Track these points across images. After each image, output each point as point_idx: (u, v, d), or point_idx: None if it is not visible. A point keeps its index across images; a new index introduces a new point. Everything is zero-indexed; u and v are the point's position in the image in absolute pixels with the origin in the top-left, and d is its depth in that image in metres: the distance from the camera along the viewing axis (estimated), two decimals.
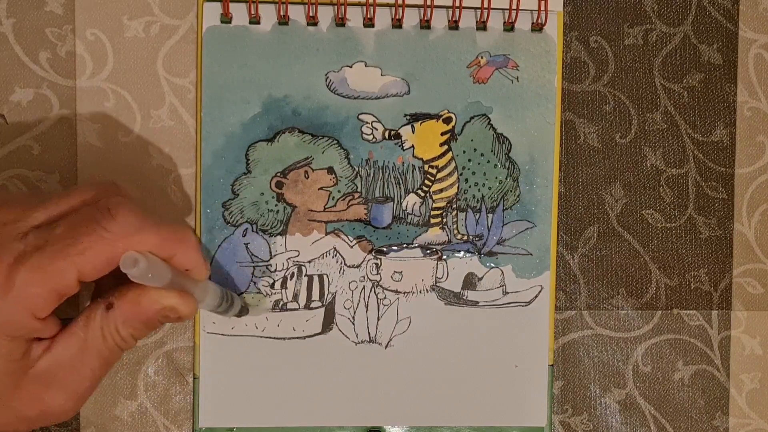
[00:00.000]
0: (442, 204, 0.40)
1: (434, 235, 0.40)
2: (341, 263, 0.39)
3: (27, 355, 0.30)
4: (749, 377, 0.41)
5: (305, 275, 0.39)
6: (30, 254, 0.28)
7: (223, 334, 0.39)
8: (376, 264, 0.40)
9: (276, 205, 0.39)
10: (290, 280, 0.39)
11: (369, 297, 0.40)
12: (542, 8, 0.39)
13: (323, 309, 0.39)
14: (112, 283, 0.32)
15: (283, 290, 0.39)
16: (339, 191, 0.39)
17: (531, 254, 0.40)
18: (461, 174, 0.40)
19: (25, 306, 0.28)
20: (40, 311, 0.29)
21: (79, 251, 0.28)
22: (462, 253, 0.40)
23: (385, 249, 0.39)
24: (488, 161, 0.40)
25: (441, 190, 0.40)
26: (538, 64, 0.40)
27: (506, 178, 0.40)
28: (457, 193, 0.40)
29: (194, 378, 0.39)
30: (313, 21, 0.39)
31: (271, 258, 0.39)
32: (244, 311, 0.38)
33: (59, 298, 0.29)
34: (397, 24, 0.39)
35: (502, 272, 0.40)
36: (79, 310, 0.33)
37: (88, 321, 0.31)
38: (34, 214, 0.30)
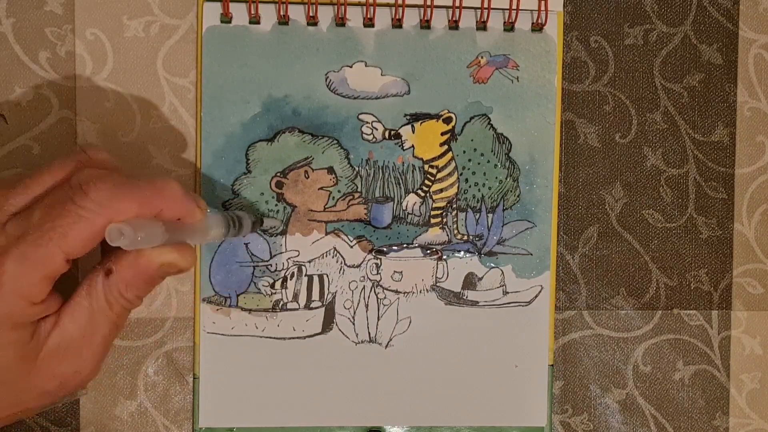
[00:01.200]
0: (442, 204, 0.40)
1: (434, 235, 0.40)
2: (341, 263, 0.39)
3: (36, 336, 0.30)
4: (749, 377, 0.41)
5: (305, 275, 0.39)
6: (13, 246, 0.28)
7: (223, 334, 0.39)
8: (376, 264, 0.39)
9: (276, 205, 0.39)
10: (290, 280, 0.39)
11: (369, 297, 0.40)
12: (542, 8, 0.39)
13: (323, 309, 0.39)
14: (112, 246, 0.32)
15: (283, 290, 0.39)
16: (339, 191, 0.39)
17: (531, 254, 0.40)
18: (461, 174, 0.40)
19: (20, 296, 0.28)
20: (36, 297, 0.29)
21: (60, 234, 0.28)
22: (462, 253, 0.40)
23: (385, 249, 0.39)
24: (488, 161, 0.40)
25: (441, 190, 0.40)
26: (538, 64, 0.40)
27: (506, 178, 0.40)
28: (457, 193, 0.40)
29: (194, 378, 0.39)
30: (313, 21, 0.39)
31: (271, 258, 0.39)
32: (257, 224, 0.37)
33: (51, 280, 0.29)
34: (397, 24, 0.39)
35: (502, 272, 0.40)
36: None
37: (90, 290, 0.31)
38: (8, 202, 0.30)
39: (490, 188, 0.40)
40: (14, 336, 0.29)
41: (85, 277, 0.32)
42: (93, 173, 0.30)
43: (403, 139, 0.39)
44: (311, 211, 0.39)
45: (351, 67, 0.39)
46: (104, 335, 0.32)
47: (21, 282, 0.28)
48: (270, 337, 0.39)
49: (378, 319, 0.40)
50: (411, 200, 0.40)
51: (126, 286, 0.31)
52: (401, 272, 0.40)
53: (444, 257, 0.40)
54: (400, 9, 0.39)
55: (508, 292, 0.40)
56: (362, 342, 0.40)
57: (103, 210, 0.28)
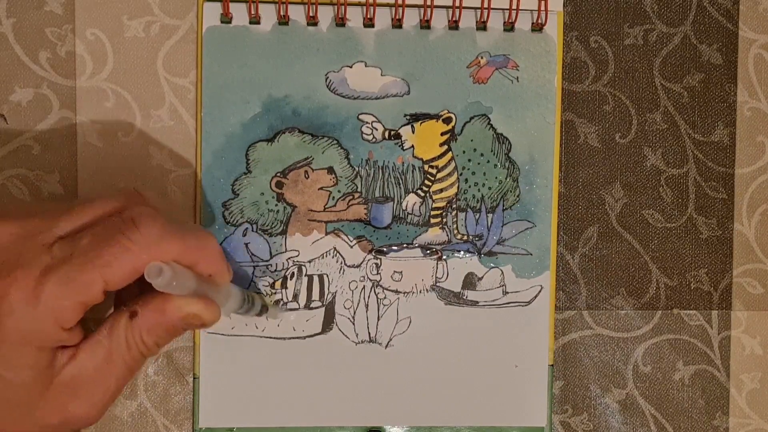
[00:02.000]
0: (442, 204, 0.40)
1: (434, 235, 0.40)
2: (341, 263, 0.39)
3: (53, 364, 0.30)
4: (749, 377, 0.41)
5: (305, 275, 0.39)
6: (57, 266, 0.28)
7: (223, 334, 0.39)
8: (376, 264, 0.40)
9: (276, 205, 0.39)
10: (290, 280, 0.39)
11: (369, 297, 0.40)
12: (542, 8, 0.39)
13: (323, 309, 0.39)
14: (135, 290, 0.32)
15: (283, 290, 0.39)
16: (339, 191, 0.39)
17: (531, 254, 0.40)
18: (461, 174, 0.40)
19: (53, 317, 0.29)
20: (67, 322, 0.29)
21: (105, 263, 0.29)
22: (462, 253, 0.40)
23: (385, 249, 0.39)
24: (488, 161, 0.40)
25: (441, 190, 0.40)
26: (538, 64, 0.40)
27: (506, 178, 0.40)
28: (457, 193, 0.40)
29: (194, 378, 0.39)
30: (313, 21, 0.39)
31: (271, 258, 0.39)
32: (263, 311, 0.38)
33: (85, 308, 0.29)
34: (397, 24, 0.39)
35: (502, 272, 0.40)
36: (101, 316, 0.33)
37: (112, 329, 0.31)
38: (58, 224, 0.30)
39: (489, 188, 0.40)
40: (35, 357, 0.29)
41: (109, 317, 0.32)
42: (146, 211, 0.30)
43: (403, 139, 0.39)
44: (311, 211, 0.39)
45: (351, 67, 0.39)
46: (117, 378, 0.32)
47: (57, 303, 0.28)
48: (270, 337, 0.39)
49: (378, 319, 0.40)
50: (411, 200, 0.40)
51: (148, 331, 0.31)
52: (401, 272, 0.40)
53: (444, 257, 0.40)
54: (400, 9, 0.39)
55: (508, 292, 0.40)
56: (362, 342, 0.40)
57: (150, 248, 0.29)
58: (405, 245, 0.40)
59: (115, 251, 0.29)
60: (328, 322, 0.40)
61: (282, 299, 0.39)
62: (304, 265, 0.39)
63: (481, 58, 0.40)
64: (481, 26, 0.39)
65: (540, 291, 0.40)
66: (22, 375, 0.29)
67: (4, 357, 0.29)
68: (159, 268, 0.29)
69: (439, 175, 0.40)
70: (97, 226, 0.30)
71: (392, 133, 0.39)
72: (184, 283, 0.30)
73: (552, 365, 0.40)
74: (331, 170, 0.39)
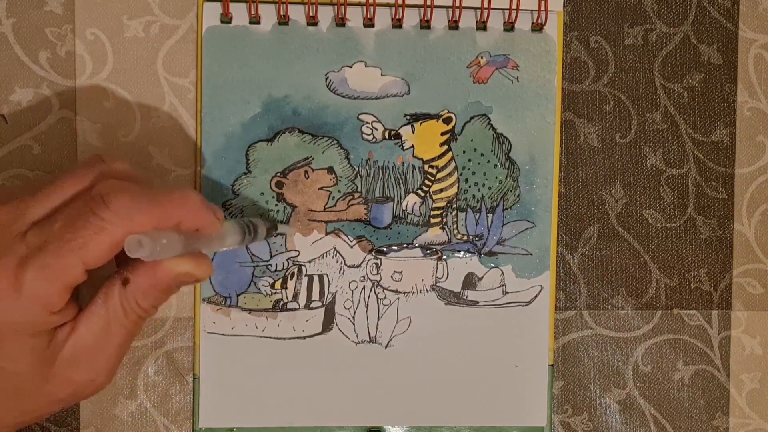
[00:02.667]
0: (442, 204, 0.40)
1: (434, 235, 0.40)
2: (341, 263, 0.39)
3: (53, 343, 0.30)
4: (749, 377, 0.41)
5: (305, 275, 0.39)
6: (33, 255, 0.28)
7: (223, 334, 0.39)
8: (376, 264, 0.40)
9: (276, 205, 0.39)
10: (290, 280, 0.39)
11: (369, 297, 0.40)
12: (542, 8, 0.39)
13: (323, 309, 0.39)
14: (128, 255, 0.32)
15: (283, 290, 0.39)
16: (339, 191, 0.39)
17: (531, 254, 0.40)
18: (461, 174, 0.40)
19: (39, 305, 0.29)
20: (55, 306, 0.29)
21: (81, 245, 0.28)
22: (462, 253, 0.40)
23: (385, 249, 0.39)
24: (488, 161, 0.40)
25: (441, 190, 0.40)
26: (538, 64, 0.40)
27: (506, 178, 0.40)
28: (457, 193, 0.40)
29: (194, 378, 0.39)
30: (313, 21, 0.39)
31: (271, 258, 0.39)
32: (272, 230, 0.37)
33: (70, 290, 0.29)
34: (397, 24, 0.39)
35: (502, 272, 0.40)
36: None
37: (107, 299, 0.31)
38: (29, 211, 0.30)
39: (490, 188, 0.40)
40: (32, 343, 0.30)
41: (102, 286, 0.32)
42: (114, 184, 0.30)
43: (403, 139, 0.39)
44: (311, 211, 0.39)
45: (351, 67, 0.39)
46: (119, 344, 0.32)
47: (41, 291, 0.28)
48: (270, 337, 0.39)
49: (378, 319, 0.40)
50: (411, 200, 0.40)
51: (142, 296, 0.31)
52: (401, 272, 0.40)
53: (444, 257, 0.40)
54: (400, 9, 0.39)
55: (508, 292, 0.40)
56: (362, 342, 0.40)
57: (124, 222, 0.29)
58: (405, 245, 0.40)
59: (89, 232, 0.28)
60: (328, 322, 0.40)
61: (282, 299, 0.39)
62: (304, 265, 0.39)
63: (481, 58, 0.40)
64: (481, 26, 0.39)
65: (540, 291, 0.40)
66: (23, 362, 0.30)
67: (0, 350, 0.29)
68: (138, 241, 0.28)
69: (439, 175, 0.40)
70: (67, 207, 0.30)
71: (392, 133, 0.39)
72: (171, 247, 0.29)
73: (552, 365, 0.40)
74: (331, 170, 0.39)
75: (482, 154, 0.40)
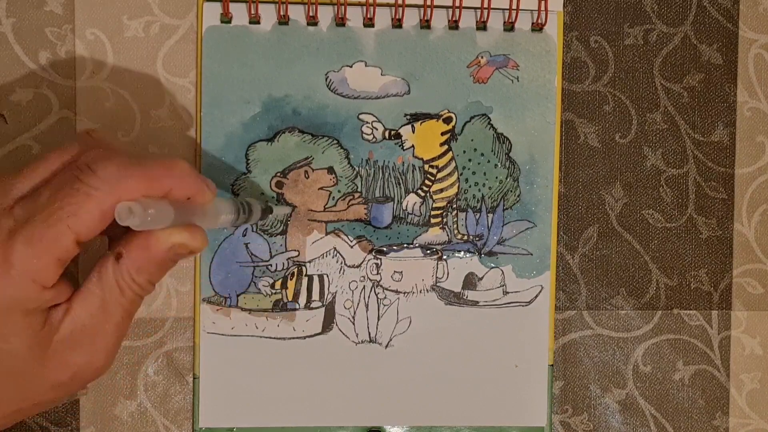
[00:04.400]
0: (442, 204, 0.40)
1: (434, 235, 0.40)
2: (341, 263, 0.39)
3: (48, 323, 0.30)
4: (749, 377, 0.41)
5: (305, 275, 0.39)
6: (21, 227, 0.28)
7: (223, 334, 0.39)
8: (376, 264, 0.39)
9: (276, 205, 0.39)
10: (290, 280, 0.39)
11: (369, 297, 0.40)
12: (542, 8, 0.39)
13: (323, 309, 0.39)
14: (121, 231, 0.31)
15: (283, 290, 0.39)
16: (339, 191, 0.39)
17: (531, 254, 0.40)
18: (461, 174, 0.40)
19: (30, 279, 0.28)
20: (47, 281, 0.28)
21: (69, 213, 0.28)
22: (462, 253, 0.40)
23: (385, 249, 0.39)
24: (488, 161, 0.40)
25: (441, 190, 0.40)
26: (538, 64, 0.40)
27: (506, 178, 0.40)
28: (457, 193, 0.40)
29: (194, 378, 0.39)
30: (313, 21, 0.39)
31: (271, 258, 0.39)
32: (267, 212, 0.37)
33: (62, 263, 0.29)
34: (397, 24, 0.39)
35: (503, 272, 0.40)
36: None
37: (101, 276, 0.30)
38: (15, 186, 0.29)
39: (490, 188, 0.40)
40: (26, 323, 0.29)
41: (96, 264, 0.31)
42: (100, 153, 0.29)
43: (403, 139, 0.39)
44: (311, 211, 0.39)
45: (351, 67, 0.39)
46: (117, 323, 0.31)
47: (32, 264, 0.28)
48: (270, 337, 0.39)
49: (378, 319, 0.40)
50: (411, 200, 0.40)
51: (137, 270, 0.30)
52: (401, 272, 0.40)
53: (444, 257, 0.40)
54: (400, 9, 0.39)
55: (508, 292, 0.40)
56: (362, 342, 0.40)
57: (112, 188, 0.28)
58: (405, 245, 0.40)
59: (78, 200, 0.28)
60: (328, 322, 0.40)
61: (282, 299, 0.39)
62: (304, 265, 0.39)
63: (481, 57, 0.40)
64: (481, 26, 0.39)
65: (540, 291, 0.40)
66: (17, 342, 0.29)
67: None
68: (128, 208, 0.28)
69: (439, 175, 0.40)
70: (54, 179, 0.29)
71: (392, 132, 0.39)
72: (161, 216, 0.29)
73: (552, 365, 0.40)
74: (331, 170, 0.39)
75: (482, 154, 0.40)
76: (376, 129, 0.39)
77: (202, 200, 0.31)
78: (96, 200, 0.28)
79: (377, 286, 0.40)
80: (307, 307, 0.39)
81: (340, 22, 0.39)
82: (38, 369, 0.30)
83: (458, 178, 0.40)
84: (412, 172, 0.40)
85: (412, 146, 0.39)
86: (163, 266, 0.31)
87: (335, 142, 0.39)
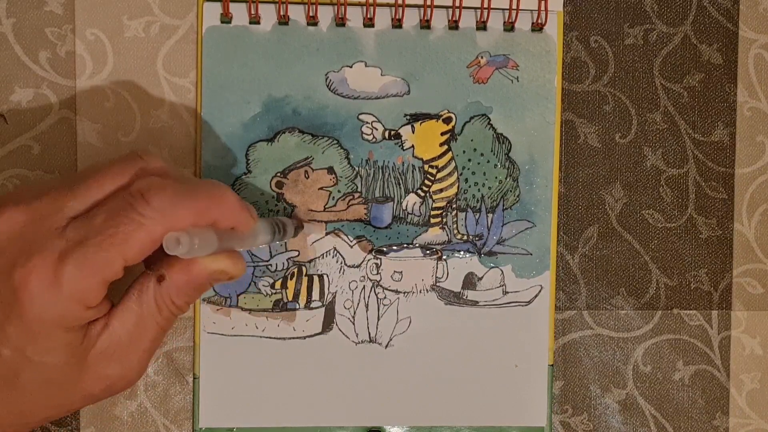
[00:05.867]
0: (442, 204, 0.40)
1: (434, 235, 0.40)
2: (341, 263, 0.39)
3: (87, 338, 0.31)
4: (749, 377, 0.41)
5: (305, 275, 0.39)
6: (73, 249, 0.28)
7: (223, 334, 0.39)
8: (376, 264, 0.40)
9: (276, 205, 0.39)
10: (290, 280, 0.39)
11: (369, 297, 0.40)
12: (542, 8, 0.39)
13: (323, 309, 0.39)
14: (161, 251, 0.32)
15: (283, 290, 0.39)
16: (339, 191, 0.39)
17: (531, 254, 0.40)
18: (461, 174, 0.40)
19: (76, 299, 0.29)
20: (92, 301, 0.29)
21: (121, 240, 0.29)
22: (462, 253, 0.40)
23: (385, 249, 0.39)
24: (488, 161, 0.40)
25: (441, 190, 0.40)
26: (538, 64, 0.40)
27: (506, 178, 0.40)
28: (457, 193, 0.40)
29: (194, 378, 0.39)
30: (313, 21, 0.39)
31: (271, 258, 0.39)
32: (299, 229, 0.38)
33: (107, 285, 0.29)
34: (397, 24, 0.39)
35: (502, 272, 0.40)
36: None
37: (141, 295, 0.32)
38: (67, 205, 0.30)
39: (489, 188, 0.40)
40: (67, 338, 0.30)
41: (135, 282, 0.32)
42: (154, 182, 0.30)
43: (403, 139, 0.39)
44: (311, 211, 0.39)
45: (351, 67, 0.39)
46: (151, 339, 0.32)
47: (79, 286, 0.28)
48: (270, 337, 0.39)
49: (378, 319, 0.40)
50: (411, 200, 0.40)
51: (177, 293, 0.32)
52: (401, 272, 0.40)
53: (444, 257, 0.40)
54: (400, 9, 0.39)
55: (507, 292, 0.40)
56: (362, 342, 0.40)
57: (163, 219, 0.29)
58: (405, 245, 0.40)
59: (130, 228, 0.29)
60: (328, 322, 0.40)
61: (282, 299, 0.39)
62: (304, 265, 0.39)
63: (481, 58, 0.40)
64: (481, 26, 0.39)
65: (540, 291, 0.40)
66: (56, 357, 0.30)
67: (35, 343, 0.29)
68: (176, 239, 0.28)
69: (439, 175, 0.40)
70: (107, 203, 0.30)
71: (392, 133, 0.39)
72: (207, 245, 0.30)
73: (552, 365, 0.40)
74: (331, 170, 0.39)
75: (482, 154, 0.40)
76: (376, 129, 0.39)
77: (244, 229, 0.32)
78: (147, 230, 0.29)
79: (377, 286, 0.40)
80: (307, 307, 0.39)
81: (340, 22, 0.39)
82: (74, 381, 0.31)
83: (458, 178, 0.40)
84: (412, 172, 0.40)
85: (412, 146, 0.40)
86: (201, 290, 0.33)
87: (335, 142, 0.39)
